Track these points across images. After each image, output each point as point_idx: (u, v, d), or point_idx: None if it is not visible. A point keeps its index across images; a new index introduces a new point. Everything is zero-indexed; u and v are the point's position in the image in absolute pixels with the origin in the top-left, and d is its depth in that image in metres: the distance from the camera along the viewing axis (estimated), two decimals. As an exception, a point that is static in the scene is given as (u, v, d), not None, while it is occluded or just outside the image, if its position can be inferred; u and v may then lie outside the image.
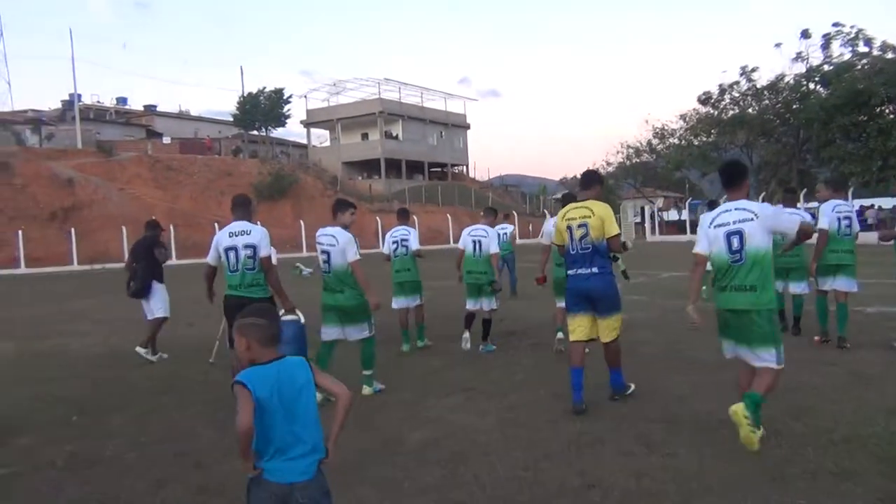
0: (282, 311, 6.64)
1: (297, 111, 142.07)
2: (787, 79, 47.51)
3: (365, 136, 63.47)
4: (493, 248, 8.94)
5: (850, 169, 41.82)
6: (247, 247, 6.39)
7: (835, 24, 45.02)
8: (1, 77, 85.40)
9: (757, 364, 4.72)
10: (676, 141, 55.98)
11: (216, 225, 33.30)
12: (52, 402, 7.05)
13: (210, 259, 6.71)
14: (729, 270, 4.81)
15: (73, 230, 37.06)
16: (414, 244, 9.21)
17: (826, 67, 45.02)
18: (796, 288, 8.80)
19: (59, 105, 68.16)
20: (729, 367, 7.00)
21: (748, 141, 50.91)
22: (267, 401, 2.68)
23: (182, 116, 74.83)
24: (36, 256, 36.42)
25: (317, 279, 7.03)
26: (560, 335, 8.32)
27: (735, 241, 4.78)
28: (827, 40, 45.31)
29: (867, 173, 42.03)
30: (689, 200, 50.55)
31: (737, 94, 50.70)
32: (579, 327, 6.03)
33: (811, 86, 46.20)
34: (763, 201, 5.71)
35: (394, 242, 9.26)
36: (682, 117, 55.64)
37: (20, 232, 35.64)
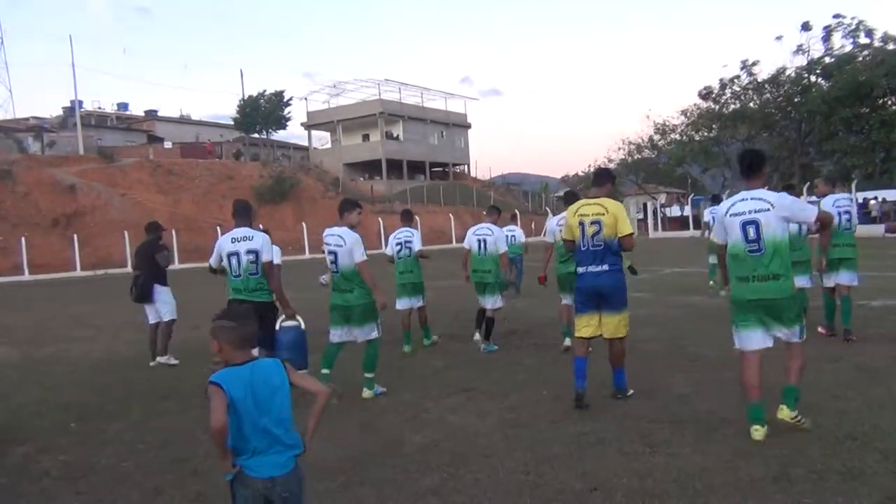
0: (282, 317, 6.65)
1: (297, 113, 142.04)
2: (788, 72, 47.29)
3: (366, 137, 63.46)
4: (502, 248, 9.01)
5: (852, 161, 41.67)
6: (249, 252, 6.56)
7: (835, 16, 44.82)
8: (2, 85, 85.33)
9: (792, 339, 4.88)
10: (677, 136, 55.75)
11: (218, 229, 33.34)
12: (52, 409, 7.00)
13: (212, 261, 6.94)
14: (749, 261, 4.85)
15: (75, 236, 37.06)
16: (417, 246, 9.25)
17: (827, 60, 44.81)
18: (799, 282, 8.71)
19: (60, 112, 68.25)
20: (732, 365, 6.94)
21: (750, 135, 50.66)
22: (242, 401, 2.72)
23: (183, 121, 74.85)
24: (39, 263, 36.38)
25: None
26: (567, 341, 8.24)
27: (752, 231, 4.81)
28: (828, 32, 45.10)
29: (870, 165, 41.88)
30: (691, 196, 50.42)
31: (738, 89, 50.42)
32: (587, 326, 6.03)
33: (812, 78, 45.98)
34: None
35: (397, 244, 9.29)
36: (683, 112, 55.37)
37: (23, 239, 35.60)
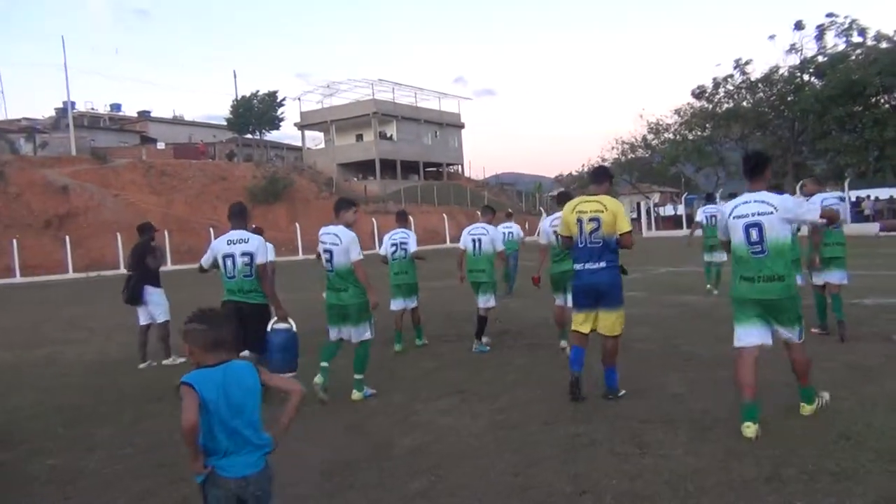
0: (274, 319, 6.63)
1: (291, 114, 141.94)
2: (781, 71, 47.40)
3: (359, 137, 63.33)
4: (499, 246, 9.10)
5: (846, 160, 41.79)
6: (244, 254, 6.63)
7: (828, 15, 44.94)
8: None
9: (793, 340, 5.02)
10: (671, 136, 55.88)
11: (211, 230, 33.28)
12: (43, 413, 6.93)
13: (204, 261, 6.95)
14: (752, 262, 4.95)
15: (67, 238, 36.89)
16: (413, 247, 9.27)
17: (820, 58, 44.91)
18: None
19: (52, 113, 68.06)
20: (726, 365, 6.92)
21: (743, 134, 50.80)
22: (214, 402, 2.73)
23: (176, 122, 74.64)
24: (31, 265, 36.23)
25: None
26: (563, 343, 8.20)
27: (754, 233, 4.91)
28: (821, 31, 45.20)
29: (863, 164, 42.02)
30: (684, 195, 50.44)
31: (731, 88, 50.54)
32: (585, 323, 6.07)
33: (805, 77, 46.08)
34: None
35: (392, 245, 9.28)
36: (677, 112, 55.55)
37: (15, 240, 35.45)
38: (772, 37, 49.40)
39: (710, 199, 15.87)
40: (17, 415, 6.96)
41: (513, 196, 69.54)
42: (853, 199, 37.04)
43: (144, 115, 73.45)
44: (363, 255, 6.66)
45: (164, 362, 9.07)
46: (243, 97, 59.82)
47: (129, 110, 76.38)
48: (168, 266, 28.13)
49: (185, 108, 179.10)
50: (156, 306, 9.24)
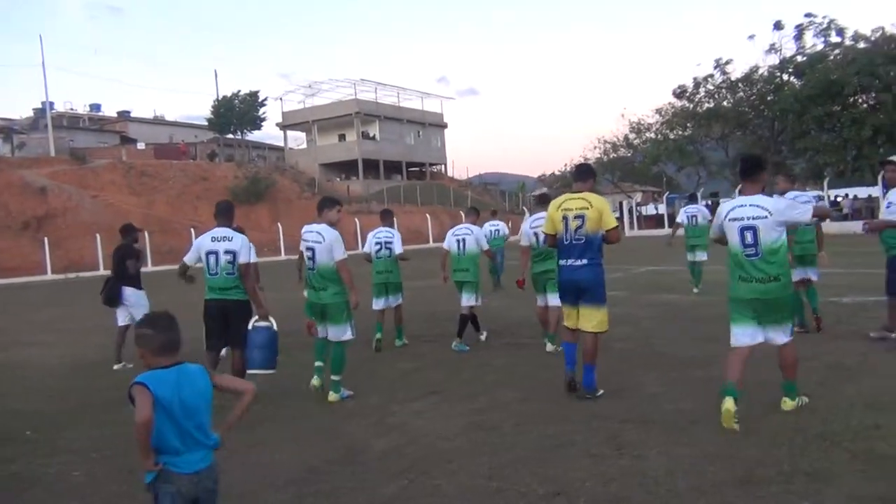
0: (255, 318, 6.60)
1: (273, 114, 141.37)
2: (761, 70, 47.72)
3: (342, 137, 63.10)
4: (483, 245, 9.19)
5: (824, 159, 42.11)
6: (227, 252, 6.66)
7: (807, 15, 45.30)
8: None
9: (780, 341, 5.14)
10: (652, 135, 56.13)
11: (192, 230, 32.95)
12: (5, 417, 6.77)
13: (187, 259, 6.97)
14: (747, 264, 5.07)
15: (46, 239, 36.43)
16: (398, 247, 9.24)
17: (799, 58, 45.23)
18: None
19: (30, 113, 67.34)
20: (703, 364, 6.94)
21: (724, 134, 51.11)
22: (169, 402, 2.77)
23: (157, 122, 74.11)
24: (9, 266, 35.75)
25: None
26: (549, 346, 8.18)
27: (749, 236, 5.05)
28: (800, 31, 45.53)
29: (842, 163, 42.34)
30: (666, 194, 50.68)
31: (711, 87, 50.81)
32: (570, 318, 6.15)
33: (785, 77, 46.39)
34: (739, 194, 6.06)
35: (377, 243, 9.27)
36: (658, 111, 55.78)
37: (-8, 242, 35.02)
38: (751, 37, 50.10)
39: (692, 199, 15.90)
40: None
41: (496, 196, 69.55)
42: (832, 197, 37.30)
43: (124, 116, 72.87)
44: (347, 255, 6.63)
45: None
46: (224, 97, 59.45)
47: (109, 110, 75.92)
48: (149, 267, 27.84)
49: (165, 108, 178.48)
50: (136, 307, 9.09)
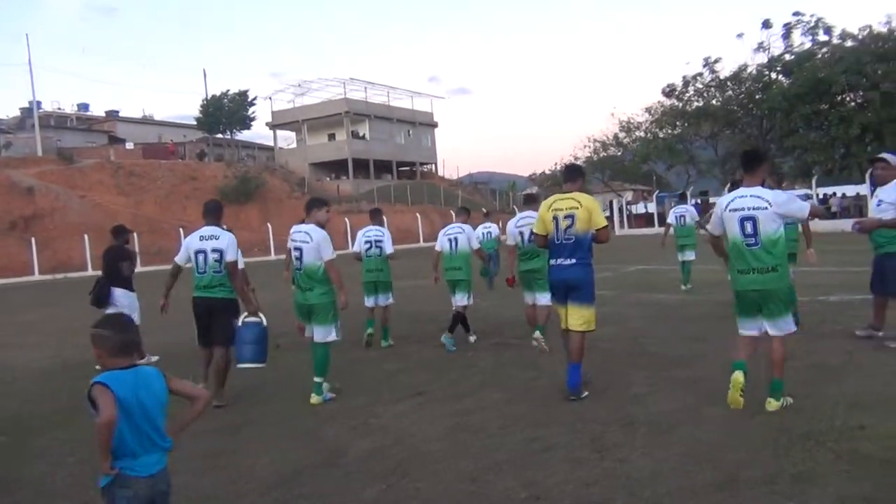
0: (245, 314, 6.67)
1: (262, 113, 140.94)
2: (749, 69, 47.95)
3: (332, 136, 62.91)
4: (474, 244, 9.23)
5: (813, 158, 42.30)
6: (214, 251, 6.71)
7: (795, 14, 45.57)
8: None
9: (780, 334, 5.24)
10: (642, 134, 56.28)
11: (181, 230, 32.75)
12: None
13: (178, 259, 7.01)
14: (747, 254, 5.20)
15: (33, 239, 36.19)
16: (388, 246, 9.22)
17: (787, 57, 45.47)
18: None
19: (17, 112, 66.91)
20: (690, 364, 6.92)
21: (713, 132, 51.29)
22: (128, 403, 2.76)
23: (145, 121, 73.72)
24: (-4, 267, 35.54)
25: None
26: (537, 334, 8.18)
27: (749, 226, 5.17)
28: (788, 29, 45.77)
29: (830, 162, 42.54)
30: (656, 193, 50.79)
31: (701, 86, 51.03)
32: (563, 318, 6.16)
33: (773, 75, 46.61)
34: (729, 192, 6.17)
35: (367, 242, 9.23)
36: (648, 110, 55.99)
37: (-22, 243, 34.74)
38: (740, 35, 50.21)
39: (682, 198, 15.92)
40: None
41: (487, 195, 69.54)
42: (820, 196, 37.39)
43: (113, 115, 72.48)
44: (336, 255, 6.62)
45: (139, 362, 8.83)
46: (213, 96, 59.20)
47: (97, 110, 75.53)
48: (138, 267, 27.65)
49: (154, 108, 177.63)
50: (127, 309, 9.02)
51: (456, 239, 9.09)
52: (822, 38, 45.02)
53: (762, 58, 47.38)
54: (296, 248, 6.68)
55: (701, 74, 50.43)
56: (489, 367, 7.60)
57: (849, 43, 43.22)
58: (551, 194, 6.45)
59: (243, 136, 66.29)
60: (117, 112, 73.58)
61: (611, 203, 52.46)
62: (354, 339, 9.02)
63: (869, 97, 39.89)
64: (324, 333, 6.61)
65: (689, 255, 13.15)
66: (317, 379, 6.57)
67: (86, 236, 35.18)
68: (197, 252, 6.76)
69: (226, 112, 58.99)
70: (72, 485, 4.77)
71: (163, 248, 34.64)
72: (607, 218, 7.13)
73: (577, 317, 5.99)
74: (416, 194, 55.73)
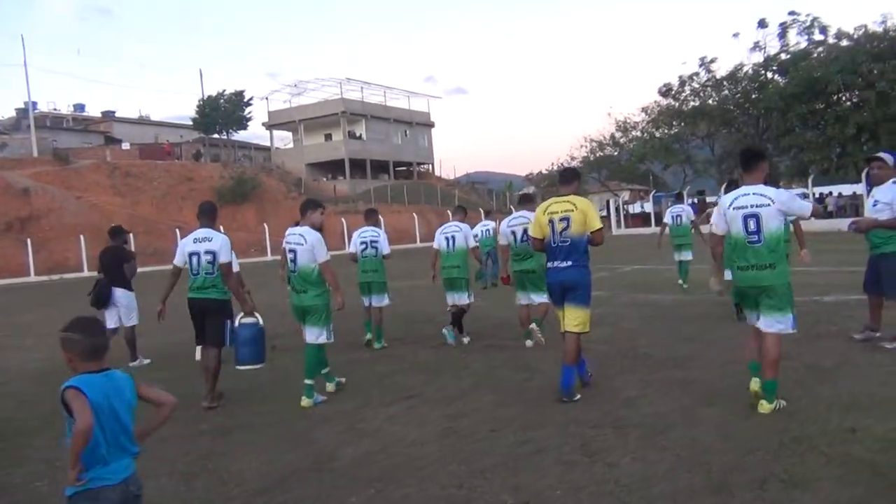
0: (241, 315, 6.74)
1: (259, 113, 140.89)
2: (745, 68, 47.98)
3: (328, 136, 62.87)
4: (471, 242, 9.29)
5: (809, 157, 42.33)
6: (207, 252, 6.73)
7: (791, 13, 45.62)
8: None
9: (772, 330, 5.21)
10: (639, 134, 56.31)
11: (177, 231, 32.69)
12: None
13: (176, 261, 7.02)
14: (748, 250, 5.23)
15: (29, 241, 36.10)
16: (384, 247, 9.19)
17: (783, 56, 45.55)
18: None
19: (13, 113, 66.71)
20: (684, 365, 6.89)
21: (709, 132, 51.34)
22: (101, 407, 2.73)
23: (142, 122, 73.56)
24: (-8, 269, 35.44)
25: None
26: (534, 325, 8.34)
27: (752, 223, 5.21)
28: (783, 29, 45.83)
29: (826, 161, 42.54)
30: (653, 192, 50.80)
31: (697, 86, 51.11)
32: (562, 321, 6.19)
33: (769, 75, 46.67)
34: (725, 192, 6.25)
35: (362, 243, 9.22)
36: (644, 110, 56.04)
37: (-26, 244, 34.65)
38: (736, 35, 49.97)
39: (679, 198, 15.91)
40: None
41: (484, 195, 69.55)
42: (817, 195, 37.41)
43: (109, 116, 72.30)
44: (330, 256, 6.61)
45: (131, 364, 8.96)
46: (210, 97, 59.14)
47: (94, 110, 75.33)
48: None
49: (150, 108, 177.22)
50: (126, 309, 9.19)
51: (453, 237, 9.11)
52: (818, 37, 45.11)
53: (758, 57, 47.49)
54: (290, 251, 6.68)
55: (697, 74, 50.54)
56: (482, 369, 7.55)
57: (844, 42, 43.28)
58: (548, 194, 6.46)
59: (240, 136, 66.29)
60: (113, 112, 73.41)
61: (607, 203, 52.47)
62: (351, 341, 8.98)
63: (865, 96, 39.91)
64: (315, 334, 6.60)
65: (687, 255, 13.11)
66: (307, 381, 6.52)
67: (82, 237, 35.11)
68: (191, 254, 6.78)
69: (222, 112, 58.95)
70: (56, 491, 4.65)
71: (159, 249, 34.60)
72: (604, 218, 7.10)
73: (573, 318, 6.01)
74: (413, 194, 55.71)
